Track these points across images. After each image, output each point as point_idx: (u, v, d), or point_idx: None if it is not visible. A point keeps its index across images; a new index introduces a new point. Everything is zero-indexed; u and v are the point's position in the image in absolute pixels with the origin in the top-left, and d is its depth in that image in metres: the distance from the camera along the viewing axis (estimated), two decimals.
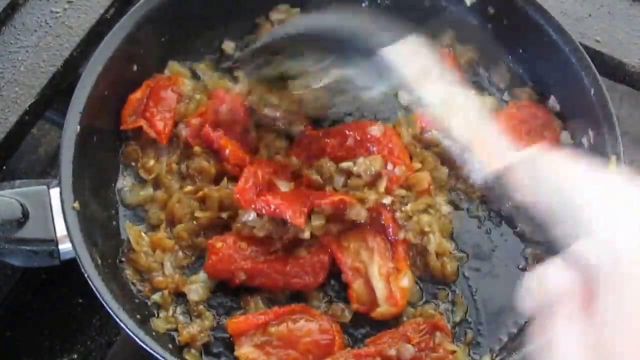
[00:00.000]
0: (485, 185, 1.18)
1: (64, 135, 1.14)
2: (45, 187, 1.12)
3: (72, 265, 1.15)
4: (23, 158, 1.40)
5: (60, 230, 1.10)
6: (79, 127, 1.15)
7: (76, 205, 1.10)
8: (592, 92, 1.20)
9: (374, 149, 1.22)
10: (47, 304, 1.25)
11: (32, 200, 1.11)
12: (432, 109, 1.07)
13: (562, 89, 1.28)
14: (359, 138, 1.23)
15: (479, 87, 1.35)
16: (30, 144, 1.40)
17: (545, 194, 0.79)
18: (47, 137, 1.44)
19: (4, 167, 1.26)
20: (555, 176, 0.79)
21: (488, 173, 0.96)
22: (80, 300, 1.26)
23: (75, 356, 1.23)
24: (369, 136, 1.23)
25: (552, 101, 1.30)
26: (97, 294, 1.04)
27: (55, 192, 1.11)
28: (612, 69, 1.31)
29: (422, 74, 1.09)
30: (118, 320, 1.03)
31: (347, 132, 1.24)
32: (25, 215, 1.09)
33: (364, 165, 1.18)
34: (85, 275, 1.06)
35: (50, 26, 1.33)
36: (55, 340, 1.24)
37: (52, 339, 1.24)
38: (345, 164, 1.20)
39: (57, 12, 1.35)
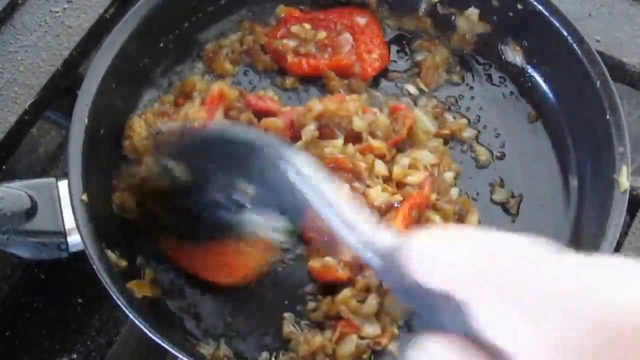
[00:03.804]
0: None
1: (72, 127, 1.14)
2: (53, 179, 1.12)
3: (72, 264, 1.15)
4: (23, 158, 1.40)
5: (69, 222, 1.09)
6: (87, 119, 1.15)
7: (84, 197, 1.10)
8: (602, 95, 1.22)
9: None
10: (47, 304, 1.25)
11: (41, 192, 1.11)
12: None
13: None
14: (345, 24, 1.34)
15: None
16: (30, 144, 1.40)
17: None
18: (46, 137, 1.43)
19: (4, 167, 1.26)
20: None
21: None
22: (80, 300, 1.25)
23: (75, 356, 1.23)
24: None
25: None
26: (106, 284, 1.04)
27: (63, 184, 1.11)
28: (612, 68, 1.30)
29: None
30: (126, 310, 1.02)
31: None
32: (34, 207, 1.09)
33: None
34: (94, 267, 1.05)
35: (50, 26, 1.33)
36: (55, 340, 1.23)
37: (52, 339, 1.23)
38: None
39: (56, 12, 1.34)
